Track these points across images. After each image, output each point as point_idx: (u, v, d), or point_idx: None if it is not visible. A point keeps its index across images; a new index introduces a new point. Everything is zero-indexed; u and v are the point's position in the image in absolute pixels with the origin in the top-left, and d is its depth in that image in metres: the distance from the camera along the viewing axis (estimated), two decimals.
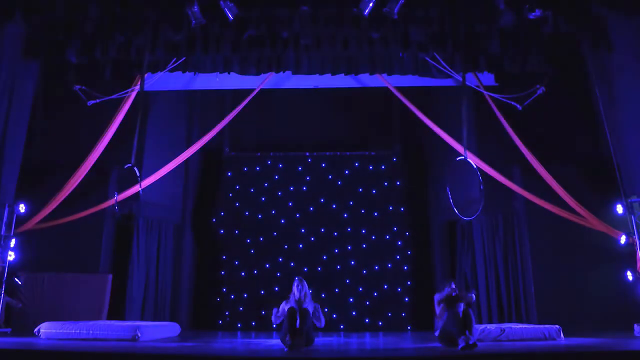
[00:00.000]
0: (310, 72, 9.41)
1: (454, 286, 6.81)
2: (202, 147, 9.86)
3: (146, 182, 9.24)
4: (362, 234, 11.02)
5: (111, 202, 9.07)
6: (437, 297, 6.90)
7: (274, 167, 11.45)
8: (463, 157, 8.40)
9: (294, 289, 6.80)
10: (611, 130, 8.64)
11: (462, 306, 6.63)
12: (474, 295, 6.88)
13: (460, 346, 6.21)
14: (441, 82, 9.65)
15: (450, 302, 6.68)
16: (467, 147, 9.17)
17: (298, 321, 6.45)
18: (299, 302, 6.69)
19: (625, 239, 8.43)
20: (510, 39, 8.68)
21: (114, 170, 9.84)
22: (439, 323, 6.80)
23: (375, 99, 10.78)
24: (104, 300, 9.13)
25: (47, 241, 9.25)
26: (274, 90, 9.97)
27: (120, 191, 8.95)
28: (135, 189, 9.17)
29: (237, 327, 10.58)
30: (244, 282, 10.82)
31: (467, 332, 6.29)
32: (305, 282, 6.89)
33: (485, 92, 9.21)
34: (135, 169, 8.21)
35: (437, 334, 6.83)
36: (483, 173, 9.16)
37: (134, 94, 9.18)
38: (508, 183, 9.05)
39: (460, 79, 9.12)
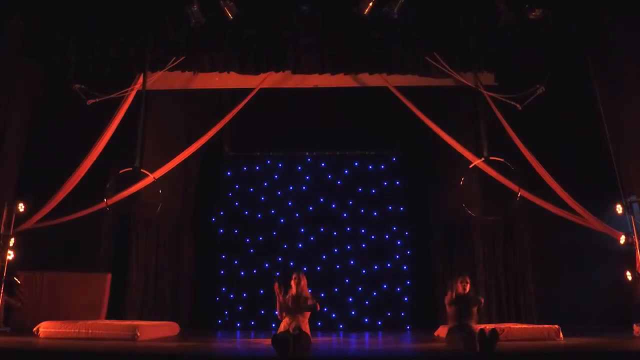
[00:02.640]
0: (310, 72, 9.41)
1: (464, 282, 6.77)
2: (201, 146, 9.84)
3: (146, 182, 9.24)
4: (362, 234, 11.02)
5: (110, 201, 9.07)
6: (448, 298, 6.85)
7: (273, 166, 11.45)
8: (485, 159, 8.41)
9: (292, 284, 6.75)
10: (611, 130, 8.65)
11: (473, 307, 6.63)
12: (482, 299, 6.86)
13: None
14: (441, 82, 9.65)
15: (461, 302, 6.66)
16: (467, 147, 9.20)
17: (292, 326, 6.38)
18: (297, 296, 6.63)
19: (625, 239, 8.43)
20: (510, 39, 8.68)
21: (113, 170, 9.84)
22: (451, 324, 6.74)
23: (375, 99, 10.77)
24: (103, 299, 9.12)
25: (47, 240, 9.24)
26: (273, 89, 9.96)
27: (116, 191, 8.99)
28: (134, 189, 9.18)
29: (237, 326, 10.58)
30: (243, 282, 10.81)
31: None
32: (304, 277, 6.79)
33: (485, 92, 9.20)
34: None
35: (445, 334, 6.75)
36: (482, 173, 9.19)
37: (133, 94, 9.18)
38: (508, 183, 9.04)
39: (460, 78, 9.14)
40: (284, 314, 6.62)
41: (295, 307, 6.55)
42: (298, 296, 6.64)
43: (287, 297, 6.71)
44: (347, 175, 11.33)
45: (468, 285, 6.81)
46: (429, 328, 9.03)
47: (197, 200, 11.30)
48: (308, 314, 6.68)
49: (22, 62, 8.92)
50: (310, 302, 6.57)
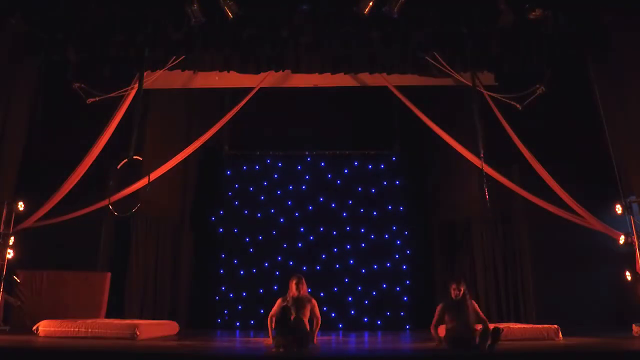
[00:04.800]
0: (310, 71, 9.40)
1: (458, 288, 6.63)
2: (201, 145, 9.84)
3: (146, 181, 9.24)
4: (361, 233, 11.03)
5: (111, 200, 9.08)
6: (440, 306, 6.75)
7: (273, 165, 11.46)
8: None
9: (292, 286, 6.78)
10: (610, 130, 8.65)
11: (469, 306, 6.56)
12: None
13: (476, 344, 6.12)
14: (441, 82, 9.65)
15: (457, 308, 6.57)
16: (466, 146, 9.20)
17: (292, 316, 6.38)
18: (296, 298, 6.67)
19: (624, 239, 8.44)
20: (510, 39, 8.69)
21: (113, 169, 9.83)
22: (448, 326, 6.65)
23: (375, 98, 10.77)
24: (102, 298, 9.12)
25: (46, 239, 9.23)
26: (273, 89, 9.95)
27: (117, 189, 9.01)
28: (134, 187, 9.19)
29: (236, 325, 10.59)
30: (243, 281, 10.82)
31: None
32: (304, 281, 6.87)
33: (485, 92, 9.21)
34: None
35: (444, 336, 6.72)
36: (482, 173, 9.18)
37: (133, 92, 9.18)
38: (508, 183, 9.04)
39: (460, 78, 9.14)
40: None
41: (295, 307, 6.58)
42: (298, 298, 6.66)
43: (287, 297, 6.73)
44: (347, 174, 11.34)
45: (461, 291, 6.62)
46: (428, 328, 9.03)
47: (196, 200, 11.30)
48: (308, 313, 6.71)
49: (22, 61, 8.92)
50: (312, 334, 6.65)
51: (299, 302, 6.67)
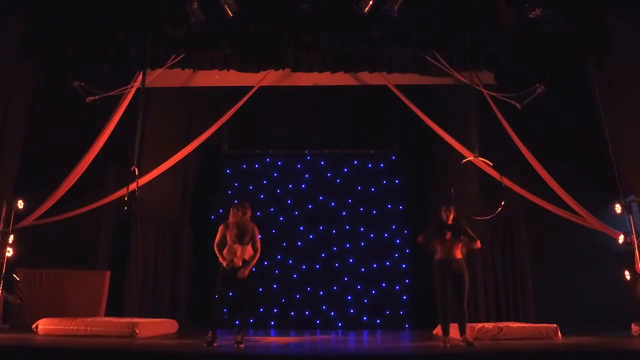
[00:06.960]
0: (309, 70, 9.40)
1: (448, 210, 6.56)
2: (201, 144, 9.83)
3: (145, 179, 9.23)
4: (361, 232, 11.03)
5: (109, 199, 9.08)
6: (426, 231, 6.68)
7: (272, 164, 11.45)
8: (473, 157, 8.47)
9: (231, 213, 6.72)
10: (610, 130, 8.65)
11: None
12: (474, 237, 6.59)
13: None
14: (441, 81, 9.64)
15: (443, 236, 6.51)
16: (466, 145, 9.19)
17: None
18: (240, 225, 6.61)
19: (624, 238, 8.44)
20: (510, 39, 8.68)
21: (112, 168, 9.82)
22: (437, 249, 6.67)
23: (375, 97, 10.77)
24: (102, 296, 9.11)
25: (46, 237, 9.22)
26: (273, 87, 9.95)
27: (115, 189, 9.01)
28: (133, 187, 9.18)
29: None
30: None
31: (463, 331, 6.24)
32: (245, 206, 6.74)
33: (485, 91, 9.20)
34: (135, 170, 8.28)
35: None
36: (482, 172, 9.19)
37: (132, 91, 9.17)
38: (507, 182, 9.04)
39: (460, 77, 9.13)
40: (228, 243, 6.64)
41: (238, 237, 6.59)
42: (242, 226, 6.63)
43: (228, 223, 6.69)
44: (347, 173, 11.34)
45: (452, 215, 6.60)
46: (427, 327, 9.04)
47: (196, 198, 11.28)
48: (249, 239, 6.66)
49: (22, 59, 8.91)
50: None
51: (243, 232, 6.63)
